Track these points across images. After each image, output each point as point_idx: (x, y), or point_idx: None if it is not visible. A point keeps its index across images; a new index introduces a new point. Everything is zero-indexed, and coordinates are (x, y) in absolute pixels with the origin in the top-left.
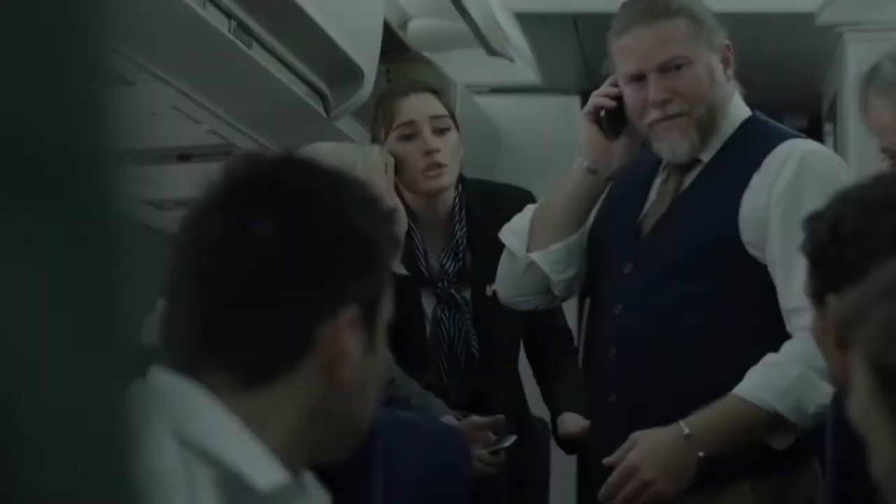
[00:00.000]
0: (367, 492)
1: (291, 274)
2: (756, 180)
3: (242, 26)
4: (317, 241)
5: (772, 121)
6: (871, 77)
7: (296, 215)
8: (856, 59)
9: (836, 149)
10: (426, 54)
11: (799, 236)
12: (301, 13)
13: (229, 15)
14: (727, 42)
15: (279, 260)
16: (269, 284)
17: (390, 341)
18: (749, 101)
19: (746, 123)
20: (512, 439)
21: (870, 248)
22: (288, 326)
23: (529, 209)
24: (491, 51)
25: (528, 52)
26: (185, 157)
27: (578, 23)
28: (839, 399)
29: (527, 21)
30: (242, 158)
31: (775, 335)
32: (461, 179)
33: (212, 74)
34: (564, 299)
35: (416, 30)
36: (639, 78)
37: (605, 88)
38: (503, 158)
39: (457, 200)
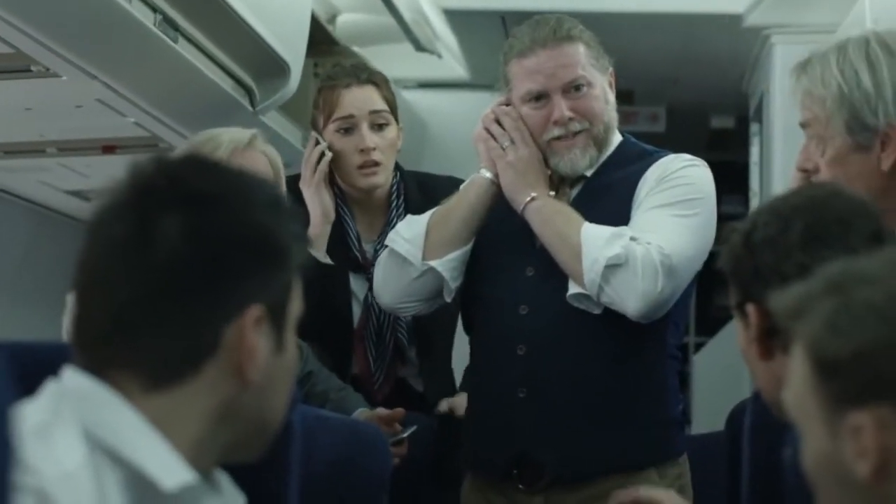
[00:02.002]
0: (284, 489)
1: (196, 273)
2: (641, 191)
3: (168, 20)
4: (221, 241)
5: (641, 142)
6: (808, 56)
7: (199, 215)
8: (782, 60)
9: (761, 148)
10: (354, 49)
11: (659, 200)
12: (227, 8)
13: (155, 9)
14: (612, 69)
15: (183, 259)
16: (173, 284)
17: (317, 330)
18: (677, 101)
19: (623, 144)
20: (412, 429)
21: (782, 252)
22: (193, 326)
23: (415, 219)
24: (419, 46)
25: (456, 49)
26: (110, 148)
27: (506, 20)
28: (757, 402)
29: (455, 18)
30: (148, 159)
31: (670, 322)
32: (398, 168)
33: (137, 68)
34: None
35: (345, 24)
36: (540, 97)
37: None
38: (430, 152)
39: (394, 188)
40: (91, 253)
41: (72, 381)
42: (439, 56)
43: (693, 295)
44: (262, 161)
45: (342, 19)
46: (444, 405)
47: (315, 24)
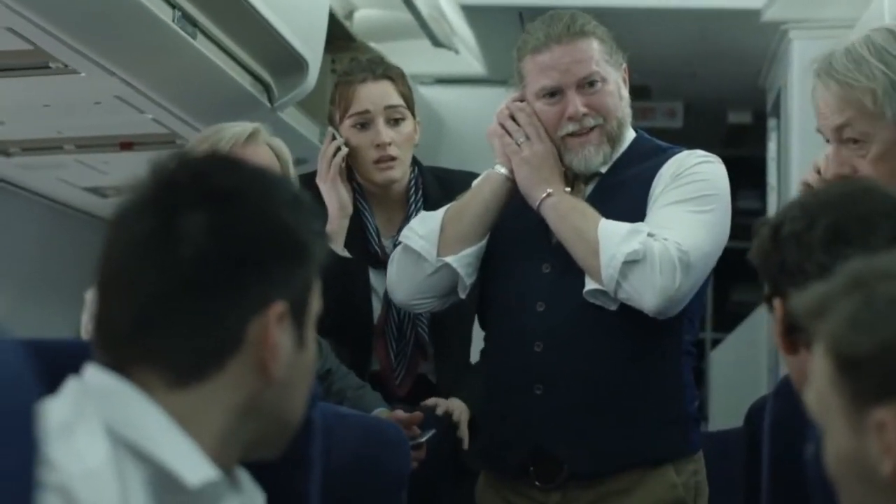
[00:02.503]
0: (305, 486)
1: (219, 270)
2: (656, 188)
3: (186, 16)
4: (243, 238)
5: (656, 139)
6: (824, 61)
7: (222, 212)
8: (800, 55)
9: (779, 144)
10: (372, 44)
11: (674, 196)
12: (246, 5)
13: (173, 5)
14: (625, 65)
15: (206, 257)
16: (196, 282)
17: (336, 326)
18: (694, 96)
19: (636, 140)
20: (430, 433)
21: (805, 250)
22: (217, 322)
23: (429, 215)
24: (436, 42)
25: (473, 44)
26: (128, 145)
27: (524, 15)
28: (777, 399)
29: (472, 13)
30: (169, 156)
31: (685, 318)
32: (416, 163)
33: (156, 64)
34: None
35: (362, 20)
36: (554, 93)
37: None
38: (447, 147)
39: (412, 182)
40: (114, 250)
41: (94, 378)
42: (456, 52)
43: (709, 291)
44: (266, 154)
45: (359, 15)
46: (440, 409)
47: (332, 19)
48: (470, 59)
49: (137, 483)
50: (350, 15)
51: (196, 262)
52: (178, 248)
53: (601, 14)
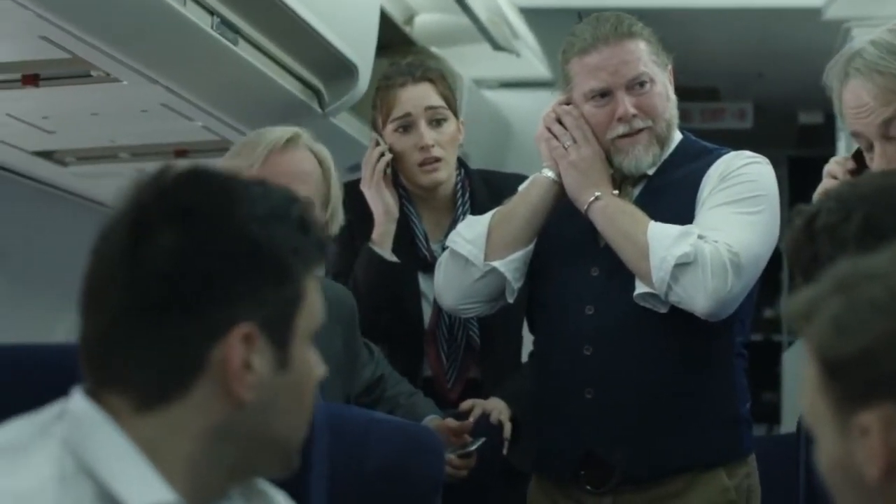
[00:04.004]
0: (306, 489)
1: (180, 290)
2: (704, 189)
3: (226, 23)
4: (206, 257)
5: (702, 140)
6: (854, 57)
7: (185, 231)
8: None
9: (847, 145)
10: (433, 49)
11: (723, 198)
12: (288, 11)
13: (211, 12)
14: (671, 65)
15: (168, 276)
16: (158, 302)
17: (388, 332)
18: (764, 97)
19: (683, 142)
20: (480, 441)
21: (839, 243)
22: (179, 345)
23: (476, 220)
24: (496, 46)
25: (535, 47)
26: (182, 152)
27: (583, 16)
28: None
29: (531, 16)
30: (149, 172)
31: (736, 320)
32: (463, 165)
33: (198, 71)
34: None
35: (422, 25)
36: (603, 95)
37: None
38: (514, 152)
39: (459, 185)
40: (90, 269)
41: (73, 401)
42: (517, 55)
43: (784, 293)
44: (307, 159)
45: (419, 20)
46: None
47: (391, 25)
48: (534, 62)
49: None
50: (410, 20)
51: (156, 284)
52: (141, 266)
53: (660, 15)
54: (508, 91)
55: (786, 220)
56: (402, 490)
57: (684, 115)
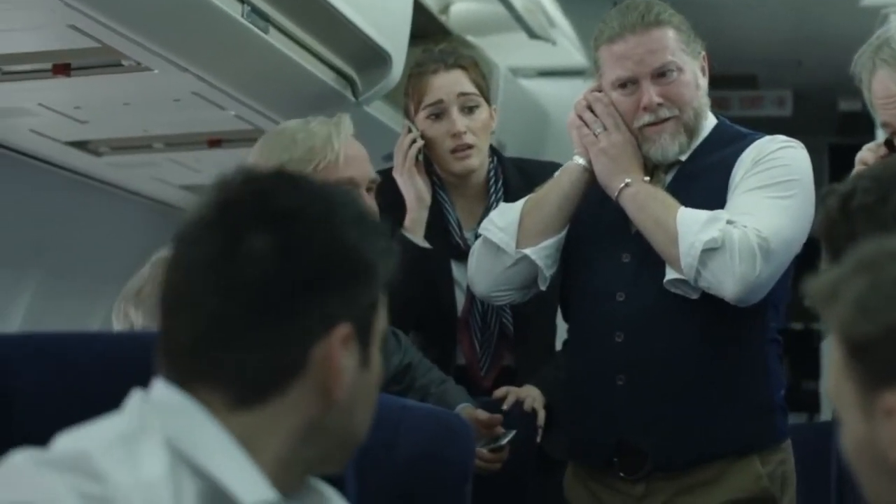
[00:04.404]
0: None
1: (282, 293)
2: (736, 174)
3: (256, 11)
4: (308, 260)
5: (737, 125)
6: (881, 47)
7: (287, 233)
8: None
9: None
10: (469, 38)
11: (755, 182)
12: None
13: (242, 0)
14: (704, 52)
15: (270, 279)
16: (260, 302)
17: (420, 319)
18: (803, 84)
19: (717, 127)
20: (512, 434)
21: (878, 223)
22: (280, 344)
23: (508, 207)
24: (532, 34)
25: (572, 35)
26: (216, 142)
27: (619, 4)
28: None
29: (568, 4)
30: (234, 173)
31: (769, 305)
32: (496, 152)
33: (229, 60)
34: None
35: (458, 14)
36: (629, 83)
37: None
38: (552, 140)
39: (492, 173)
40: (178, 269)
41: (159, 393)
42: (553, 43)
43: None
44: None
45: (455, 9)
46: (511, 398)
47: (427, 14)
48: (570, 50)
49: (192, 499)
50: (445, 9)
51: (260, 285)
52: (242, 269)
53: (694, 1)
54: (545, 80)
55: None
56: (432, 478)
57: (723, 103)
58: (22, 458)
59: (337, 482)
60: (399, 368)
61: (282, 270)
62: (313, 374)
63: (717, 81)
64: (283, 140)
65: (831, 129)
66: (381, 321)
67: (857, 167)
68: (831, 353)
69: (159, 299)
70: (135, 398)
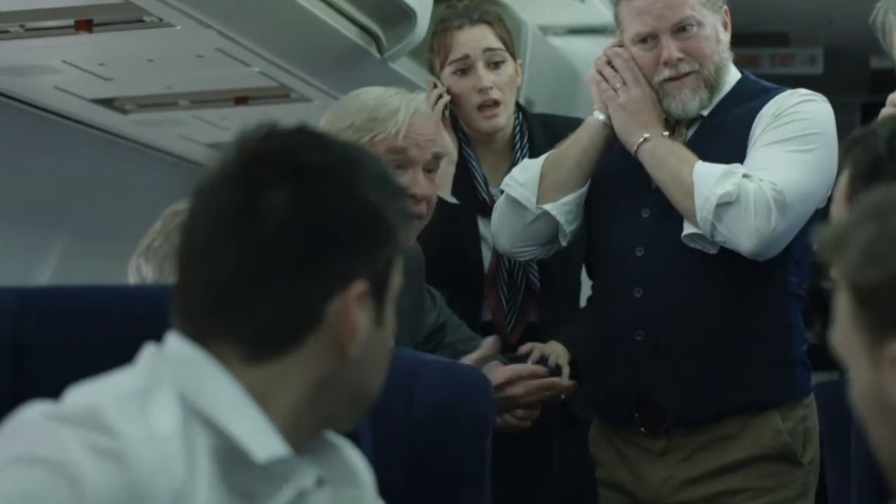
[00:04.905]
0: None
1: (302, 247)
2: (757, 128)
3: None
4: (328, 216)
5: (762, 80)
6: None
7: (308, 190)
8: None
9: None
10: None
11: (774, 136)
12: None
13: None
14: (725, 7)
15: (290, 234)
16: (279, 257)
17: (448, 276)
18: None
19: (740, 82)
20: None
21: None
22: (297, 299)
23: (530, 163)
24: None
25: None
26: (242, 99)
27: None
28: None
29: None
30: (257, 128)
31: (790, 260)
32: (521, 108)
33: (251, 16)
34: (560, 248)
35: None
36: (650, 38)
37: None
38: (583, 99)
39: (517, 129)
40: (196, 222)
41: (173, 346)
42: (582, 1)
43: None
44: (432, 122)
45: None
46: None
47: None
48: (599, 8)
49: (205, 453)
50: None
51: (279, 239)
52: (261, 223)
53: None
54: (574, 37)
55: None
56: (450, 433)
57: (753, 61)
58: (33, 412)
59: (352, 437)
60: (434, 327)
61: (300, 225)
62: (328, 330)
63: (748, 39)
64: (353, 105)
65: (863, 87)
66: (397, 281)
67: (887, 107)
68: (838, 302)
69: (176, 251)
70: (147, 352)
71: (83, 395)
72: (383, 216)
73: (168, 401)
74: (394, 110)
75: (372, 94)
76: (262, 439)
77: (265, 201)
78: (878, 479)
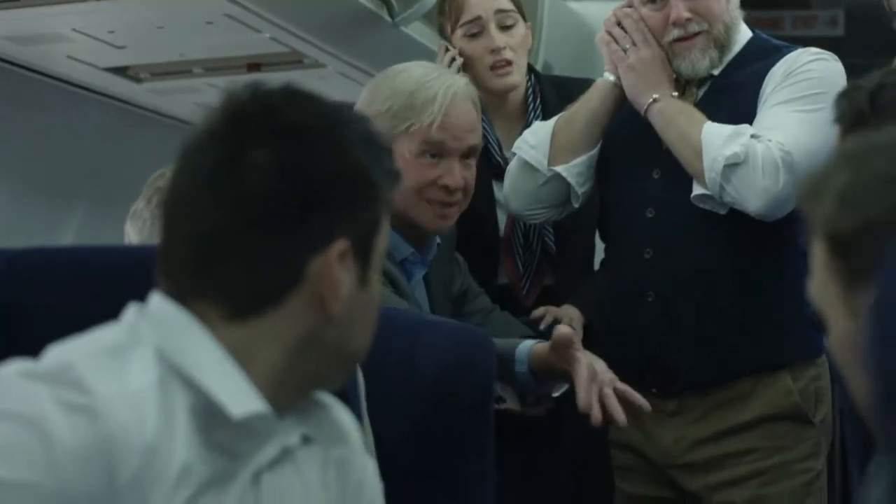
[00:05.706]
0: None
1: (283, 205)
2: (767, 87)
3: None
4: (311, 175)
5: (773, 39)
6: None
7: (291, 148)
8: None
9: None
10: None
11: (783, 96)
12: None
13: None
14: None
15: (272, 191)
16: (260, 215)
17: (463, 239)
18: (856, 3)
19: (751, 41)
20: (563, 388)
21: None
22: (278, 258)
23: (541, 125)
24: None
25: None
26: (255, 66)
27: None
28: None
29: None
30: (243, 88)
31: (800, 220)
32: (533, 71)
33: None
34: (573, 210)
35: None
36: None
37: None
38: (601, 62)
39: (530, 91)
40: (180, 180)
41: (155, 306)
42: None
43: None
44: (474, 110)
45: None
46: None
47: None
48: None
49: (183, 410)
50: None
51: (260, 197)
52: (243, 181)
53: None
54: (592, 1)
55: None
56: (453, 395)
57: (775, 23)
58: (9, 369)
59: (341, 397)
60: (459, 293)
61: (282, 183)
62: (310, 288)
63: (770, 1)
64: (391, 86)
65: (885, 48)
66: (382, 242)
67: None
68: (813, 251)
69: (162, 209)
70: (130, 311)
71: (60, 352)
72: (368, 176)
73: (145, 358)
74: (430, 98)
75: (412, 77)
76: (239, 396)
77: (248, 159)
78: (862, 428)
